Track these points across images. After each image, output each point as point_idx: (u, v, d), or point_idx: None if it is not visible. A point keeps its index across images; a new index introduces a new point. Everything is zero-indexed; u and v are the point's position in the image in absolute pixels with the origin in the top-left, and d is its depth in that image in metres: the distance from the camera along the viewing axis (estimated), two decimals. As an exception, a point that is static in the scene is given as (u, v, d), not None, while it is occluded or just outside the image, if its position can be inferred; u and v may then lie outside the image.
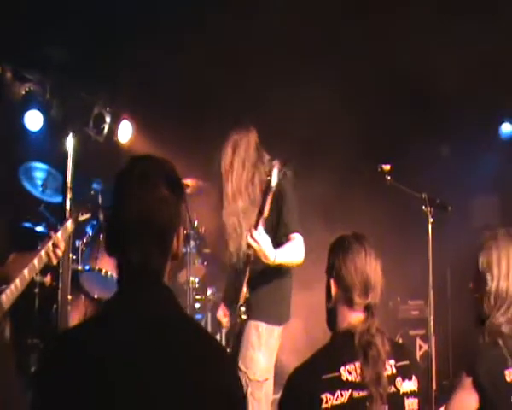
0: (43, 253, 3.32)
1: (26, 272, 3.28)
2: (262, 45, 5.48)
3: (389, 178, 4.11)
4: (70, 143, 4.01)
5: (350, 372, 2.19)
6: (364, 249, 2.30)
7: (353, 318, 2.27)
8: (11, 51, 5.47)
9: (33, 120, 5.79)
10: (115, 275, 5.16)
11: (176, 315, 1.65)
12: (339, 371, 2.19)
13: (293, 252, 3.49)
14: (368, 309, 2.26)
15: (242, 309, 3.46)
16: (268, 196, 3.30)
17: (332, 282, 2.32)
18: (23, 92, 5.82)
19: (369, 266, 2.29)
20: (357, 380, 2.18)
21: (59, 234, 3.39)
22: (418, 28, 5.40)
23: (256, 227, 3.29)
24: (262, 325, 3.55)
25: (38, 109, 5.79)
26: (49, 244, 3.33)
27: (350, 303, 2.27)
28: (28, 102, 5.76)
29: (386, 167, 4.09)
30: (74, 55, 5.82)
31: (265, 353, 3.51)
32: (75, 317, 5.38)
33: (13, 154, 5.48)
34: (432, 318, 4.10)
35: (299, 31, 5.43)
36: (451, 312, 5.89)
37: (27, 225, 5.44)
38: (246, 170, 3.60)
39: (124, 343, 1.55)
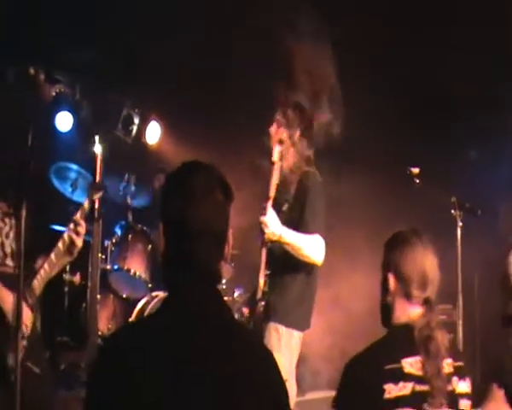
0: (65, 235, 3.41)
1: (52, 255, 3.38)
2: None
3: (418, 181, 4.09)
4: (100, 143, 4.07)
5: (411, 365, 2.19)
6: (422, 244, 2.32)
7: (412, 312, 2.28)
8: (41, 53, 5.56)
9: (63, 121, 5.87)
10: (143, 275, 5.25)
11: (228, 317, 1.71)
12: (400, 362, 2.19)
13: (305, 241, 3.47)
14: (426, 303, 2.27)
15: (261, 304, 3.47)
16: (272, 176, 3.33)
17: (390, 276, 2.33)
18: (53, 94, 5.91)
19: (428, 261, 2.31)
20: (419, 374, 2.18)
21: (78, 214, 3.48)
22: (445, 29, 5.38)
23: (265, 210, 3.37)
24: (282, 328, 3.55)
25: (68, 110, 5.87)
26: (70, 225, 3.43)
27: (408, 297, 2.28)
28: (58, 103, 5.84)
29: (415, 170, 4.07)
30: (103, 56, 5.89)
31: (286, 354, 3.51)
32: (104, 316, 5.44)
33: (44, 154, 5.54)
34: (460, 322, 4.08)
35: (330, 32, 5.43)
36: (479, 316, 5.84)
37: (56, 227, 5.50)
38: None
39: (178, 343, 1.59)
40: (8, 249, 3.41)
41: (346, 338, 5.09)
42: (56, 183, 5.67)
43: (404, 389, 2.16)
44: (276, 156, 3.51)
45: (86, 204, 3.58)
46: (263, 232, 3.42)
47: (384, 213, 5.52)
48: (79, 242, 3.42)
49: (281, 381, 1.70)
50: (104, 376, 1.58)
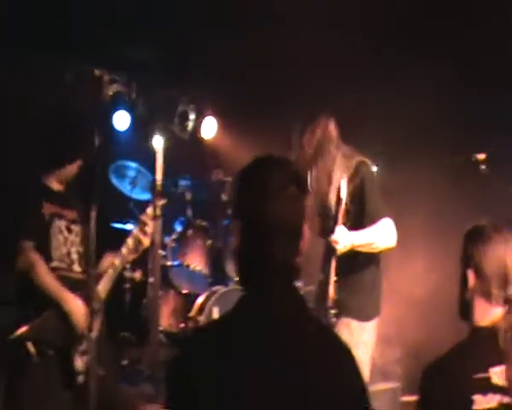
0: (129, 239, 3.50)
1: (118, 258, 3.52)
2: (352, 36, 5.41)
3: (483, 167, 3.97)
4: (158, 140, 4.10)
5: (498, 375, 2.09)
6: (504, 240, 2.24)
7: (493, 313, 2.19)
8: (96, 53, 5.64)
9: (121, 120, 5.94)
10: (203, 270, 5.29)
11: (306, 313, 1.70)
12: (488, 372, 2.09)
13: (375, 234, 3.40)
14: (507, 303, 2.18)
15: (332, 312, 3.43)
16: (340, 207, 3.27)
17: (470, 272, 2.25)
18: (111, 93, 5.99)
19: (509, 258, 2.22)
20: (504, 385, 2.08)
21: (144, 216, 3.59)
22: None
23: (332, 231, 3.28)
24: (353, 322, 3.50)
25: (125, 109, 5.93)
26: (137, 225, 3.52)
27: (488, 296, 2.20)
28: (116, 102, 5.91)
29: (481, 157, 3.96)
30: (158, 54, 5.93)
31: (359, 348, 3.46)
32: (164, 312, 5.49)
33: (104, 154, 5.64)
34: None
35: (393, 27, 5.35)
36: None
37: (117, 225, 5.58)
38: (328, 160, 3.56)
39: (258, 339, 1.59)
40: (74, 256, 3.51)
41: (400, 327, 5.03)
42: (115, 181, 5.75)
43: (492, 401, 2.06)
44: (343, 194, 3.33)
45: (150, 211, 3.66)
46: (334, 249, 3.32)
47: (443, 202, 5.44)
48: (146, 241, 3.54)
49: (361, 380, 1.67)
50: (183, 376, 1.58)
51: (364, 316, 3.53)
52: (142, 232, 3.51)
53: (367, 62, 5.50)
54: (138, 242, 3.53)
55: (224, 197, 6.04)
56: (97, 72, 2.95)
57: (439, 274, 5.35)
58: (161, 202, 3.77)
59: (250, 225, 1.66)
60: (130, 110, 5.97)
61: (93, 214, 2.84)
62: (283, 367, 1.55)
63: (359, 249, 3.39)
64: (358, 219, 3.46)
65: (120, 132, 6.00)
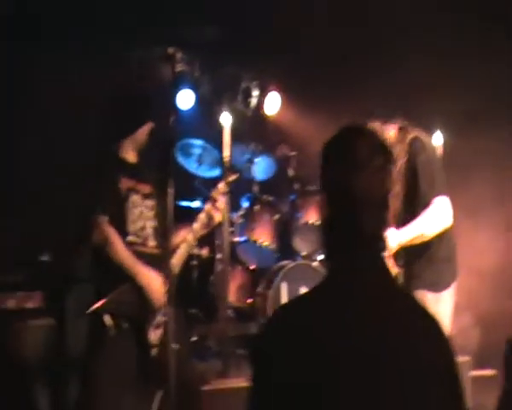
0: (201, 214, 3.55)
1: (191, 234, 3.58)
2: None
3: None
4: (225, 117, 4.12)
5: None
6: None
7: None
8: (158, 31, 5.69)
9: (185, 99, 5.97)
10: (271, 245, 5.32)
11: (395, 286, 1.70)
12: None
13: (425, 224, 3.34)
14: None
15: None
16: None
17: None
18: (174, 74, 6.02)
19: None
20: None
21: (215, 191, 3.67)
22: None
23: None
24: (428, 294, 3.44)
25: (189, 88, 5.97)
26: (209, 202, 3.56)
27: None
28: (179, 81, 5.95)
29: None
30: (220, 31, 5.94)
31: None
32: (232, 287, 5.53)
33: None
34: None
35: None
36: None
37: (184, 203, 5.64)
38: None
39: (347, 314, 1.56)
40: (149, 231, 3.55)
41: (470, 299, 4.94)
42: (181, 160, 5.80)
43: None
44: None
45: (221, 186, 3.72)
46: None
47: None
48: (218, 217, 3.60)
49: (453, 355, 1.64)
50: (270, 350, 1.57)
51: (440, 286, 3.47)
52: (213, 208, 3.56)
53: (436, 33, 5.40)
54: (210, 217, 3.58)
55: (290, 172, 6.05)
56: (170, 49, 2.96)
57: (508, 243, 5.26)
58: (233, 176, 3.83)
59: (337, 197, 1.63)
60: (195, 89, 6.00)
61: (170, 189, 2.87)
62: (373, 345, 1.53)
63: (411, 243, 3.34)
64: (413, 202, 3.41)
65: (184, 111, 6.05)
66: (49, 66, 5.02)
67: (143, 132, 3.59)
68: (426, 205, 3.35)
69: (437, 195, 3.36)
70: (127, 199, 3.47)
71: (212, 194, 3.62)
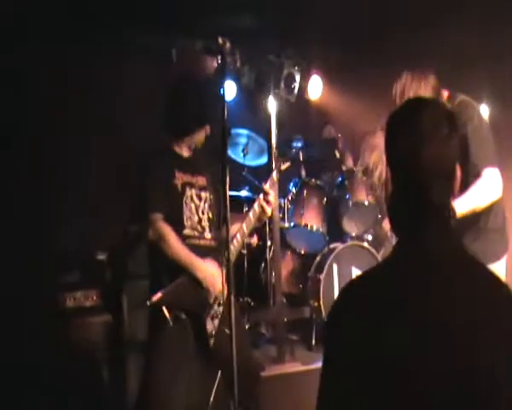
0: (255, 205, 3.58)
1: (244, 226, 3.59)
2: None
3: None
4: (272, 105, 4.14)
5: None
6: None
7: None
8: (198, 23, 5.74)
9: (228, 90, 6.00)
10: (320, 229, 5.33)
11: (466, 255, 1.66)
12: None
13: (474, 197, 3.26)
14: None
15: None
16: None
17: None
18: (215, 65, 6.08)
19: None
20: None
21: (267, 184, 3.66)
22: None
23: None
24: None
25: (231, 79, 6.00)
26: (260, 196, 3.59)
27: None
28: (221, 73, 5.97)
29: None
30: (259, 19, 5.95)
31: None
32: (283, 273, 5.57)
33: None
34: None
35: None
36: None
37: (231, 193, 5.68)
38: None
39: (419, 287, 1.56)
40: (205, 223, 3.58)
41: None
42: (228, 150, 5.83)
43: None
44: None
45: (275, 175, 3.77)
46: None
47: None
48: (269, 210, 3.61)
49: None
50: (343, 324, 1.60)
51: (490, 258, 3.43)
52: (265, 201, 3.59)
53: (480, 4, 5.32)
54: (262, 210, 3.61)
55: (337, 154, 6.05)
56: (221, 40, 2.97)
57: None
58: (286, 165, 3.85)
59: (404, 168, 1.64)
60: (236, 79, 6.03)
61: (226, 179, 2.90)
62: (446, 318, 1.53)
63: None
64: (463, 167, 3.36)
65: (228, 102, 6.07)
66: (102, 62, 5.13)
67: (201, 134, 3.63)
68: (476, 175, 3.32)
69: (487, 166, 3.31)
70: (183, 194, 3.50)
71: (264, 187, 3.62)
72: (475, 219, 3.40)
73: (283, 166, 3.87)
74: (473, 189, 3.27)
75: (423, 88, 3.42)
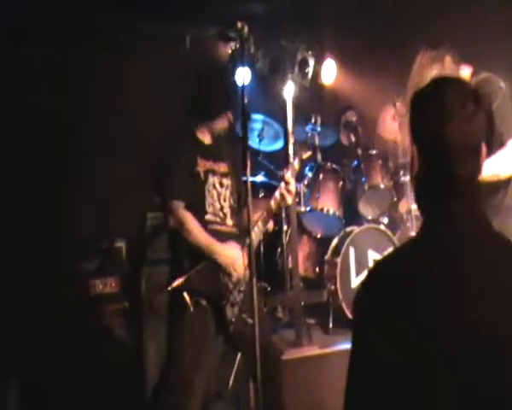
0: (277, 194, 3.60)
1: (265, 213, 3.63)
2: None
3: None
4: (287, 90, 4.14)
5: None
6: None
7: None
8: (209, 12, 5.73)
9: (242, 77, 5.99)
10: (337, 212, 5.32)
11: (495, 233, 1.68)
12: None
13: (499, 161, 3.30)
14: None
15: None
16: None
17: None
18: (229, 52, 6.07)
19: None
20: None
21: (288, 173, 3.65)
22: None
23: None
24: None
25: (246, 64, 5.97)
26: (281, 184, 3.60)
27: None
28: (235, 60, 5.98)
29: None
30: (271, 5, 5.94)
31: None
32: (300, 257, 5.55)
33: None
34: None
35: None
36: None
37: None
38: None
39: (448, 265, 1.58)
40: (226, 210, 3.60)
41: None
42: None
43: None
44: None
45: (296, 164, 3.81)
46: None
47: None
48: (290, 199, 3.62)
49: None
50: (372, 303, 1.61)
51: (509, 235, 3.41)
52: (286, 190, 3.61)
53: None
54: (282, 198, 3.62)
55: (353, 138, 6.05)
56: (239, 25, 2.97)
57: None
58: (307, 154, 3.87)
59: (432, 146, 1.65)
60: (250, 65, 6.02)
61: (248, 163, 2.91)
62: (475, 297, 1.54)
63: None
64: (487, 139, 3.35)
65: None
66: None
67: (223, 121, 3.63)
68: (501, 145, 3.33)
69: (510, 137, 3.35)
70: (206, 181, 3.51)
71: (285, 176, 3.64)
72: (492, 195, 3.40)
73: (305, 156, 3.90)
74: (498, 154, 3.29)
75: (439, 68, 3.43)
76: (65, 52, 5.05)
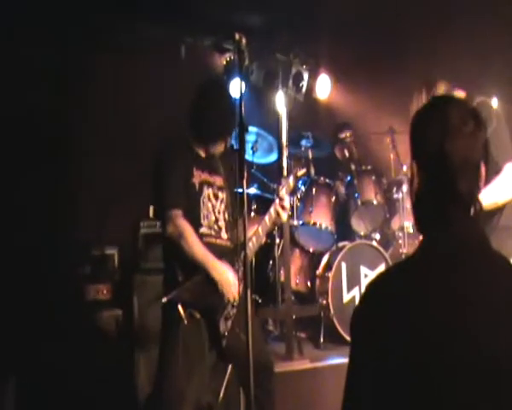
0: (272, 210, 3.57)
1: (259, 229, 3.58)
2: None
3: None
4: (281, 103, 4.15)
5: None
6: None
7: None
8: (206, 23, 5.74)
9: (237, 88, 5.98)
10: (329, 227, 5.32)
11: (494, 251, 1.69)
12: None
13: (498, 188, 3.29)
14: None
15: None
16: None
17: None
18: (224, 63, 6.08)
19: None
20: None
21: (283, 190, 3.63)
22: None
23: None
24: None
25: (239, 76, 5.97)
26: (276, 201, 3.57)
27: None
28: (229, 71, 5.99)
29: None
30: (266, 18, 5.96)
31: None
32: (291, 271, 5.54)
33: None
34: None
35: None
36: None
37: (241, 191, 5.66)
38: None
39: (449, 283, 1.57)
40: (221, 223, 3.56)
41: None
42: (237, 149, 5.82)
43: None
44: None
45: (291, 181, 3.79)
46: None
47: None
48: (284, 216, 3.59)
49: None
50: (367, 322, 1.60)
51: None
52: (280, 207, 3.58)
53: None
54: (277, 215, 3.60)
55: (346, 153, 6.06)
56: (237, 36, 2.95)
57: None
58: (302, 171, 3.86)
59: (431, 162, 1.66)
60: (245, 77, 6.02)
61: (245, 178, 2.89)
62: (475, 313, 1.54)
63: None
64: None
65: (237, 100, 6.06)
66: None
67: (222, 145, 3.61)
68: (497, 171, 3.33)
69: (508, 161, 3.34)
70: (201, 193, 3.48)
71: (280, 193, 3.62)
72: (490, 214, 3.40)
73: (299, 173, 3.89)
74: (495, 182, 3.30)
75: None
76: (65, 52, 5.03)
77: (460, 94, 3.54)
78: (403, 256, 5.53)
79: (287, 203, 3.61)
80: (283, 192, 3.64)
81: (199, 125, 3.55)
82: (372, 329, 1.58)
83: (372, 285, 1.67)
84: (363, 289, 5.30)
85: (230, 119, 3.39)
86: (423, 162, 1.67)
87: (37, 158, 4.91)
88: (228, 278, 3.40)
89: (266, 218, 3.60)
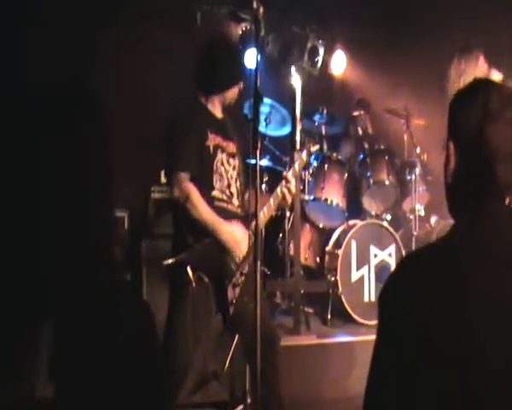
0: (278, 190, 3.54)
1: (264, 209, 3.52)
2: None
3: None
4: (296, 77, 4.10)
5: None
6: None
7: None
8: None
9: (251, 59, 5.94)
10: (340, 204, 5.30)
11: None
12: None
13: None
14: None
15: None
16: None
17: None
18: (240, 32, 6.01)
19: None
20: None
21: (290, 172, 3.63)
22: None
23: None
24: None
25: (255, 47, 5.91)
26: (282, 182, 3.54)
27: None
28: (245, 41, 5.92)
29: None
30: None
31: None
32: (301, 245, 5.52)
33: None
34: None
35: None
36: None
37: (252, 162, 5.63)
38: None
39: (481, 268, 1.54)
40: (233, 189, 3.53)
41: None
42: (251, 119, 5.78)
43: None
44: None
45: (304, 157, 3.78)
46: None
47: None
48: (290, 198, 3.55)
49: None
50: (396, 301, 1.58)
51: None
52: (286, 189, 3.54)
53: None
54: (283, 198, 3.55)
55: (360, 131, 6.00)
56: (255, 4, 2.91)
57: None
58: (315, 147, 3.81)
59: (471, 147, 1.62)
60: (260, 48, 5.94)
61: (258, 148, 2.85)
62: (508, 298, 1.50)
63: None
64: None
65: (251, 70, 6.02)
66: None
67: (234, 91, 3.57)
68: None
69: None
70: (215, 156, 3.44)
71: (286, 175, 3.58)
72: None
73: (313, 149, 3.85)
74: None
75: (473, 67, 3.40)
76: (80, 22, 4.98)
77: (498, 76, 3.50)
78: (413, 239, 5.50)
79: (292, 186, 3.56)
80: (290, 175, 3.59)
81: (210, 75, 3.50)
82: (400, 307, 1.56)
83: (402, 264, 1.67)
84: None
85: (240, 62, 3.37)
86: (461, 144, 1.64)
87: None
88: (235, 236, 3.38)
89: (271, 199, 3.56)
